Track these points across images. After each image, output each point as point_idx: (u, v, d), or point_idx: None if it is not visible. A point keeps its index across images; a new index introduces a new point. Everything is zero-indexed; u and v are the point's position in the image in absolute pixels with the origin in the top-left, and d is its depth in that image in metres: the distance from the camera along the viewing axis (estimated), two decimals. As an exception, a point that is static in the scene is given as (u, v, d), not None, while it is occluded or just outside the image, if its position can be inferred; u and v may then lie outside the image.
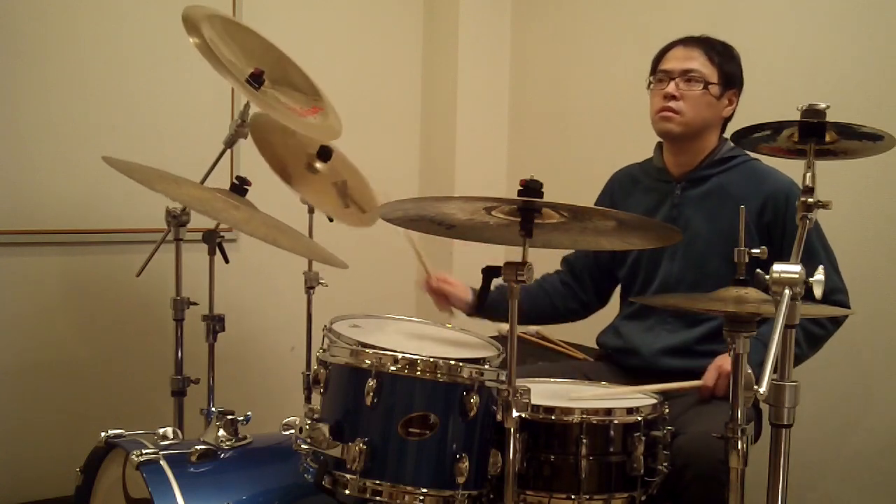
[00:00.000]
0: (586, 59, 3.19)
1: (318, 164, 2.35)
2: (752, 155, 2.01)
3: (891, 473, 2.35)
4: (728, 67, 2.04)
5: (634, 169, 2.23)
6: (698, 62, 2.01)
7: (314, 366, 1.64)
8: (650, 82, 2.08)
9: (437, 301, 2.15)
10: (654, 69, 2.09)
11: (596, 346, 2.28)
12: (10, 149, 2.54)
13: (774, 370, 1.27)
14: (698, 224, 2.03)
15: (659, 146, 2.15)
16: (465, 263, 3.23)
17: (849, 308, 1.94)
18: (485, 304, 1.67)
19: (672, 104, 2.01)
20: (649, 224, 1.66)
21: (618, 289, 2.28)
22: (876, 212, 2.35)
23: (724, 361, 1.86)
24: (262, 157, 2.20)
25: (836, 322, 1.95)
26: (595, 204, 2.24)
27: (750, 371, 1.42)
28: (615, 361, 2.16)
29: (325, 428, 1.53)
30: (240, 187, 2.01)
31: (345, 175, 2.40)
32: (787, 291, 1.24)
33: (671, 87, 2.01)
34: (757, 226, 1.95)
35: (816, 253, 1.90)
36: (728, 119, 2.09)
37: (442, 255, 3.33)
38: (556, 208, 1.46)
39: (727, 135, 2.08)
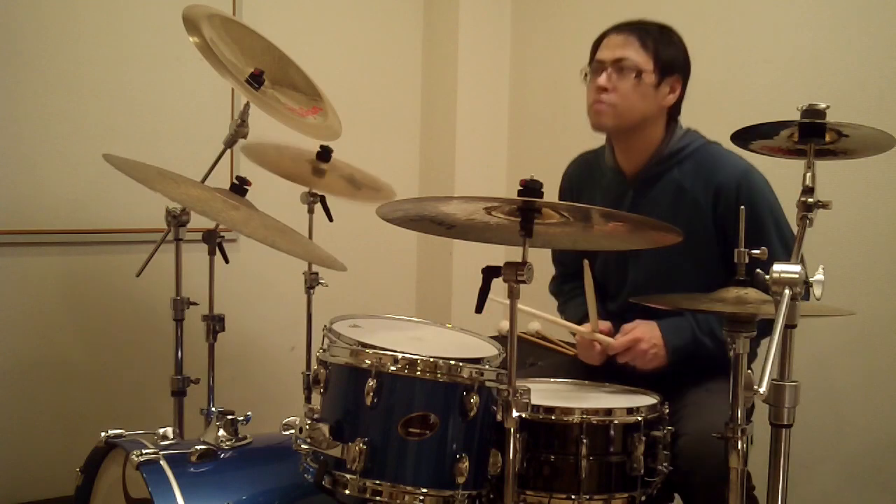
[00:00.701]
0: (586, 59, 3.17)
1: (323, 166, 2.37)
2: (710, 138, 1.92)
3: (890, 473, 2.35)
4: (666, 53, 1.90)
5: (589, 159, 2.12)
6: (631, 49, 1.89)
7: (314, 366, 1.64)
8: (586, 73, 1.96)
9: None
10: (591, 59, 1.97)
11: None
12: (10, 149, 2.54)
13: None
14: None
15: (609, 142, 2.04)
16: (465, 263, 3.25)
17: None
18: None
19: (604, 97, 1.89)
20: (650, 224, 1.65)
21: None
22: (876, 212, 2.35)
23: (643, 334, 1.83)
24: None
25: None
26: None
27: (750, 371, 1.42)
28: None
29: (325, 428, 1.53)
30: (240, 187, 2.01)
31: (349, 170, 2.43)
32: (787, 291, 1.24)
33: (603, 79, 1.89)
34: (713, 220, 1.85)
35: (767, 232, 1.79)
36: (674, 108, 1.95)
37: (442, 255, 3.33)
38: (556, 208, 1.46)
39: (697, 124, 1.97)
